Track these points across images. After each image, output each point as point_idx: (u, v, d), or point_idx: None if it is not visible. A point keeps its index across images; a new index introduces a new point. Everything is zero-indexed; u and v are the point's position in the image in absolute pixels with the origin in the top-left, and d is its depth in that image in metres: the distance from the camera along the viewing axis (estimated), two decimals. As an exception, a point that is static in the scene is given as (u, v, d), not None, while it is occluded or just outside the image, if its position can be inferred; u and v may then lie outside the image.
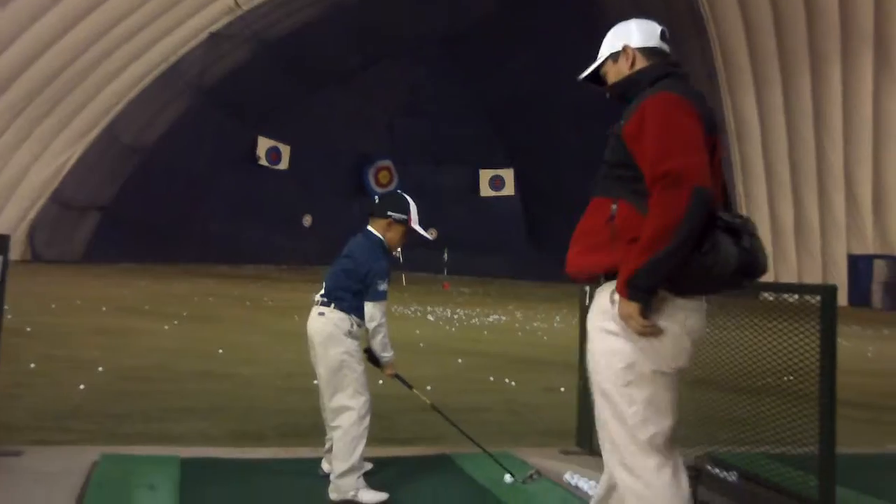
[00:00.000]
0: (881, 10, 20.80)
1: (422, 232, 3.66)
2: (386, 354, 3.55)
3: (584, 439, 4.39)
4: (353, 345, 3.46)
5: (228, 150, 25.47)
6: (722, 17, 22.56)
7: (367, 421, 3.39)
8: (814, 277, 22.85)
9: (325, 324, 3.45)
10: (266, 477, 3.62)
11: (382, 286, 3.44)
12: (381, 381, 5.83)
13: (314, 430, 4.11)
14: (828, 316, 2.77)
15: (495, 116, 29.00)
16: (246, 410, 5.20)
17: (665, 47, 2.54)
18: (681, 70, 2.49)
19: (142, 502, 3.09)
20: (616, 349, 2.27)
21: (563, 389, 6.21)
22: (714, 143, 2.33)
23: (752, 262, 2.18)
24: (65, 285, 14.63)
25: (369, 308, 3.44)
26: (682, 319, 2.24)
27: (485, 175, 30.27)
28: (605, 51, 2.59)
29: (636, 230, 2.22)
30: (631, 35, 2.53)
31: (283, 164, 27.85)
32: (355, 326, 3.48)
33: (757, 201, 24.94)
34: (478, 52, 27.21)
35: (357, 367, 3.44)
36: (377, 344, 3.51)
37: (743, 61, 23.05)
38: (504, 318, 13.71)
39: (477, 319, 13.05)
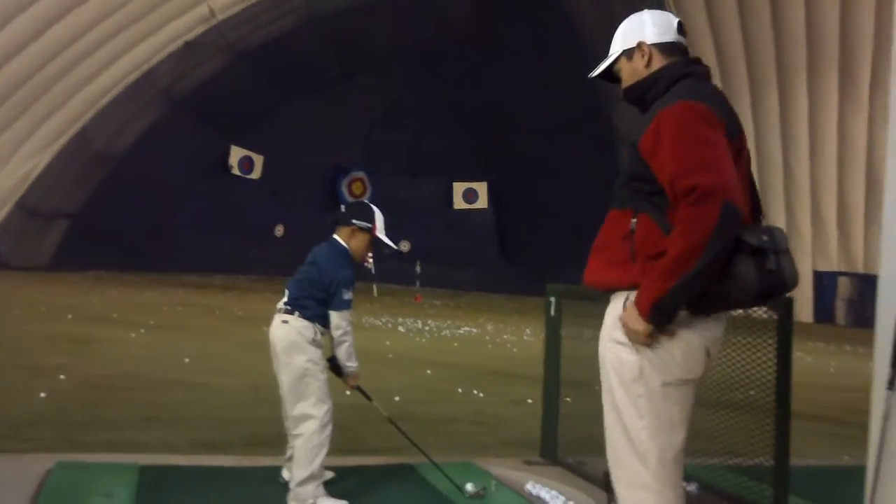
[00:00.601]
0: (846, 31, 21.33)
1: (388, 241, 3.66)
2: (351, 364, 3.54)
3: (547, 450, 4.42)
4: (316, 353, 3.45)
5: (201, 159, 25.26)
6: (692, 35, 22.94)
7: (328, 429, 3.38)
8: (781, 293, 23.21)
9: (288, 331, 3.44)
10: (226, 484, 3.60)
11: (347, 295, 3.44)
12: (347, 392, 5.83)
13: (281, 439, 4.09)
14: (784, 329, 2.83)
15: (470, 129, 29.14)
16: (212, 420, 5.15)
17: (682, 41, 2.37)
18: (701, 68, 2.34)
19: (97, 510, 3.05)
20: (624, 360, 2.18)
21: (530, 401, 6.24)
22: (739, 147, 2.21)
23: (776, 284, 2.06)
24: (30, 292, 14.37)
25: (334, 317, 3.44)
26: (698, 329, 2.15)
27: (458, 188, 30.36)
28: (617, 47, 2.40)
29: (655, 246, 2.14)
30: (645, 29, 2.34)
31: (256, 174, 27.71)
32: (319, 335, 3.48)
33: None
34: (456, 64, 27.36)
35: (320, 375, 3.43)
36: (342, 353, 3.50)
37: (713, 77, 23.44)
38: (475, 330, 13.74)
39: (448, 331, 13.07)
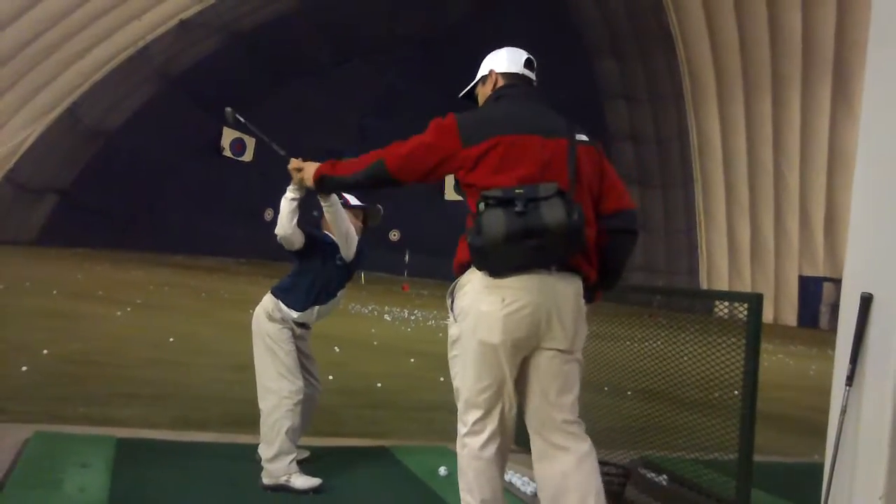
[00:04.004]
0: (841, 40, 21.41)
1: (355, 202, 3.78)
2: (284, 214, 3.64)
3: (522, 437, 4.47)
4: (273, 328, 3.51)
5: (192, 140, 25.19)
6: (691, 40, 23.10)
7: (288, 405, 3.38)
8: (767, 296, 23.42)
9: (257, 309, 3.61)
10: (202, 460, 3.63)
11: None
12: (331, 377, 5.87)
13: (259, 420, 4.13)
14: (753, 323, 2.89)
15: (464, 121, 29.11)
16: (192, 399, 5.18)
17: (528, 73, 2.76)
18: (516, 91, 2.70)
19: (72, 479, 3.07)
20: (451, 333, 2.56)
21: (510, 392, 6.29)
22: (487, 148, 2.55)
23: (529, 223, 2.29)
24: (15, 267, 14.33)
25: None
26: (498, 297, 2.37)
27: (450, 178, 30.24)
28: (478, 74, 2.83)
29: (468, 231, 2.44)
30: (498, 61, 2.77)
31: (248, 157, 27.61)
32: (277, 312, 3.55)
33: (716, 219, 25.48)
34: (451, 54, 27.32)
35: (279, 352, 3.47)
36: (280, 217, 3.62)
37: (709, 82, 23.60)
38: (460, 321, 13.76)
39: (433, 321, 13.11)
